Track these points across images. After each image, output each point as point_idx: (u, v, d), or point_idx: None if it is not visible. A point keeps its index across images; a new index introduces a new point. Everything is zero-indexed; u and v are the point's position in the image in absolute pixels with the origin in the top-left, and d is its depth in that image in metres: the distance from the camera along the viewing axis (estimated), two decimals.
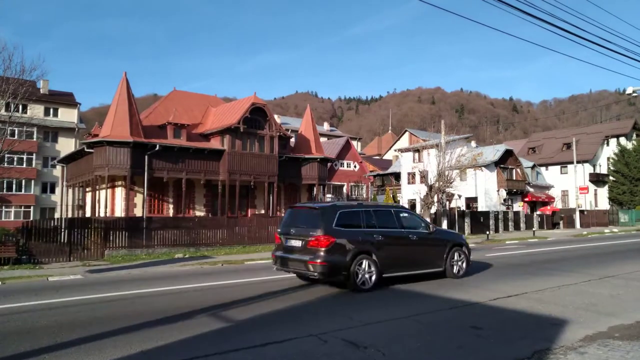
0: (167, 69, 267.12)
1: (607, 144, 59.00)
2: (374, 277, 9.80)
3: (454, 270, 11.39)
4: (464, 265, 11.63)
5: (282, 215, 33.10)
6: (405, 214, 11.36)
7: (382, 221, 10.48)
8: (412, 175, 50.57)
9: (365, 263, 9.71)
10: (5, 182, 43.17)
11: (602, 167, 57.89)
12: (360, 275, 9.63)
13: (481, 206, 45.68)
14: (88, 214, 30.58)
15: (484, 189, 46.43)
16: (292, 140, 36.54)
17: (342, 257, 9.46)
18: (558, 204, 53.94)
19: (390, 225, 10.59)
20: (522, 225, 42.34)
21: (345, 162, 51.92)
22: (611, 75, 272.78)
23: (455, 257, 11.46)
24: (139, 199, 28.99)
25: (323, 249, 9.40)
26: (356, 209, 10.46)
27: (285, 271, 10.70)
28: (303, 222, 10.23)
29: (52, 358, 5.51)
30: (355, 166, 52.94)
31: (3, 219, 43.18)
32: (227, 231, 24.57)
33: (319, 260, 9.36)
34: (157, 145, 27.96)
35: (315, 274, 9.49)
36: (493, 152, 48.38)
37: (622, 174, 53.82)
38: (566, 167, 55.40)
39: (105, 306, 8.84)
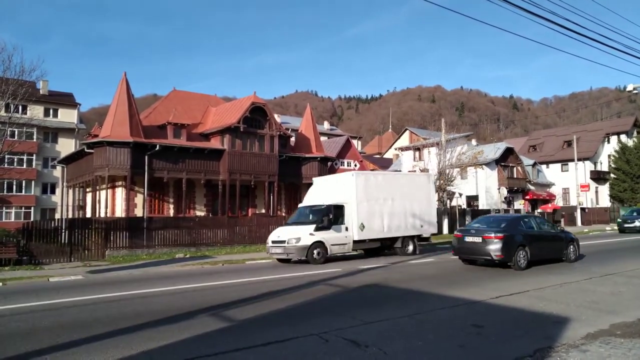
0: (167, 69, 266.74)
1: (608, 142, 58.91)
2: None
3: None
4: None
5: (283, 214, 33.22)
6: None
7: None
8: None
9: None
10: (5, 183, 43.14)
11: (603, 165, 57.81)
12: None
13: (482, 204, 45.62)
14: (88, 214, 30.55)
15: (484, 187, 46.38)
16: (292, 139, 36.50)
17: None
18: (559, 202, 53.86)
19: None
20: None
21: (345, 161, 51.84)
22: (612, 73, 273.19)
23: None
24: (139, 199, 28.97)
25: None
26: None
27: None
28: None
29: (53, 359, 5.51)
30: (355, 165, 52.86)
31: (3, 220, 43.14)
32: (228, 231, 24.56)
33: None
34: (157, 145, 27.95)
35: None
36: (494, 150, 48.31)
37: (623, 172, 53.69)
38: (567, 164, 55.31)
39: (106, 306, 8.84)
